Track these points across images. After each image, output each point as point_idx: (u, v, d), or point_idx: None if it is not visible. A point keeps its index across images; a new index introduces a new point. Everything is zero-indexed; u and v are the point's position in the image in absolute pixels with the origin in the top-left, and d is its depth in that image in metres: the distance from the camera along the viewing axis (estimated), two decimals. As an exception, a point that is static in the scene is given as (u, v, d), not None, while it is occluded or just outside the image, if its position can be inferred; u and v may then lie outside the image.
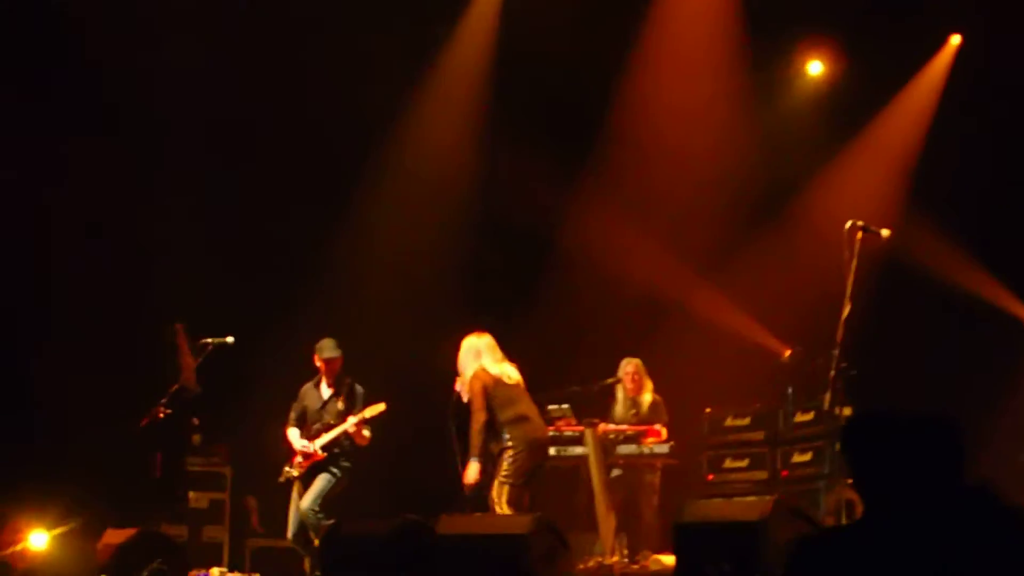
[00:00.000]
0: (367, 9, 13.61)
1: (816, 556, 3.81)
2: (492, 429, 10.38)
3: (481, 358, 10.58)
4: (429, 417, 12.61)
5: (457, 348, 10.69)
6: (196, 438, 12.68)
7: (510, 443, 10.31)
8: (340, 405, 11.24)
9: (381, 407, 11.13)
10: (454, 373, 10.69)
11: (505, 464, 10.28)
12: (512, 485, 10.21)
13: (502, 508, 10.15)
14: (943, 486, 3.77)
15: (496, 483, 10.27)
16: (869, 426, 3.94)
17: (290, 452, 11.25)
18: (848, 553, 3.75)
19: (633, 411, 12.15)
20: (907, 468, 3.80)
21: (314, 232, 14.09)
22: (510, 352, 10.84)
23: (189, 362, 11.43)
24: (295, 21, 13.54)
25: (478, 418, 10.30)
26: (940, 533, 3.66)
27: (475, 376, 10.47)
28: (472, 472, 10.18)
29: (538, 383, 11.21)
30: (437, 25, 14.55)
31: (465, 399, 10.55)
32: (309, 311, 13.20)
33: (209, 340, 11.51)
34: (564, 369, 12.92)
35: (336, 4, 13.54)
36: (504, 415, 10.40)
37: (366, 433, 11.15)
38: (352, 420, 11.07)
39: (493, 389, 10.43)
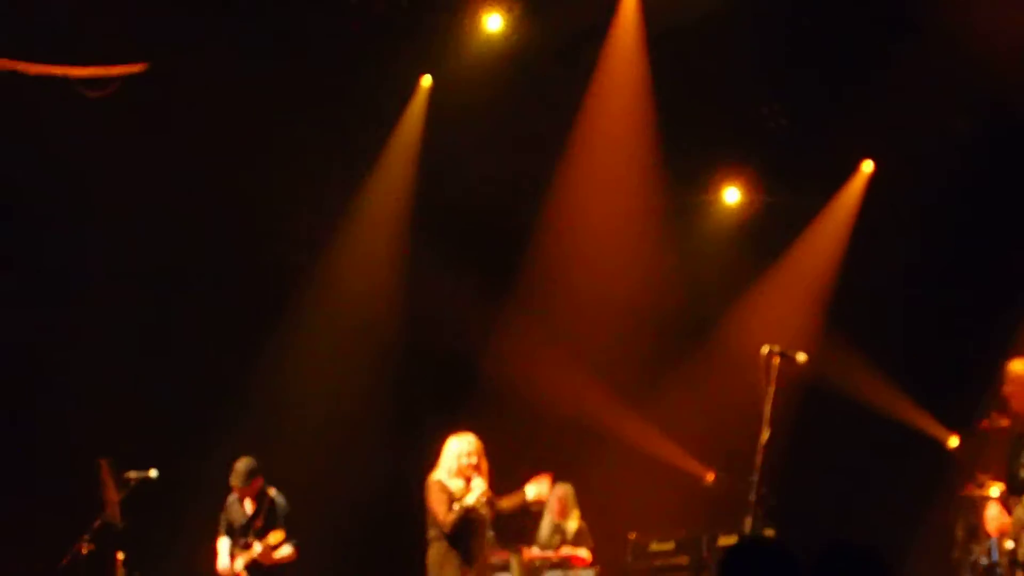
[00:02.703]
0: (293, 138, 13.75)
1: None
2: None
3: None
4: (361, 546, 12.61)
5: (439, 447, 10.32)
6: (120, 574, 12.54)
7: None
8: (259, 524, 11.12)
9: (280, 535, 10.92)
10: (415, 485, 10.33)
11: None
12: None
13: None
14: None
15: None
16: (745, 556, 3.86)
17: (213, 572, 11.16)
18: None
19: (558, 536, 12.17)
20: None
21: (239, 362, 14.05)
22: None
23: (113, 497, 11.35)
24: (221, 151, 13.59)
25: None
26: None
27: None
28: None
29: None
30: (362, 152, 14.71)
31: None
32: (236, 442, 13.14)
33: (132, 474, 11.44)
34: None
35: (261, 134, 13.64)
36: None
37: (279, 555, 10.97)
38: (258, 548, 10.91)
39: None
